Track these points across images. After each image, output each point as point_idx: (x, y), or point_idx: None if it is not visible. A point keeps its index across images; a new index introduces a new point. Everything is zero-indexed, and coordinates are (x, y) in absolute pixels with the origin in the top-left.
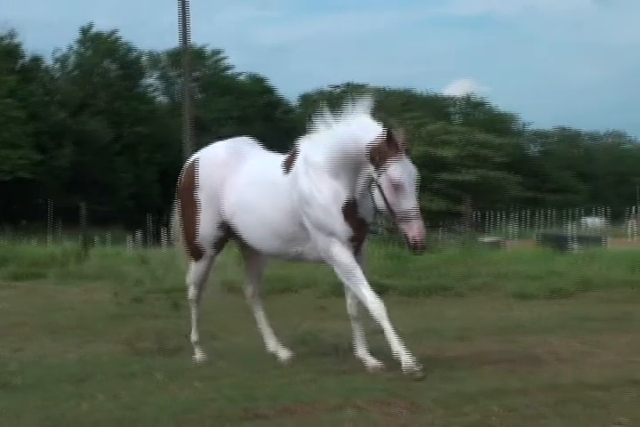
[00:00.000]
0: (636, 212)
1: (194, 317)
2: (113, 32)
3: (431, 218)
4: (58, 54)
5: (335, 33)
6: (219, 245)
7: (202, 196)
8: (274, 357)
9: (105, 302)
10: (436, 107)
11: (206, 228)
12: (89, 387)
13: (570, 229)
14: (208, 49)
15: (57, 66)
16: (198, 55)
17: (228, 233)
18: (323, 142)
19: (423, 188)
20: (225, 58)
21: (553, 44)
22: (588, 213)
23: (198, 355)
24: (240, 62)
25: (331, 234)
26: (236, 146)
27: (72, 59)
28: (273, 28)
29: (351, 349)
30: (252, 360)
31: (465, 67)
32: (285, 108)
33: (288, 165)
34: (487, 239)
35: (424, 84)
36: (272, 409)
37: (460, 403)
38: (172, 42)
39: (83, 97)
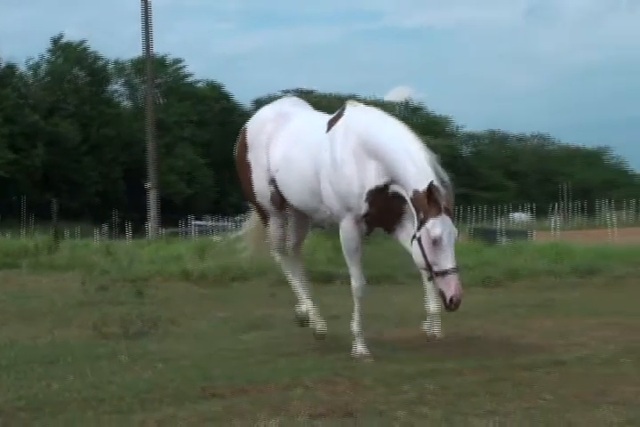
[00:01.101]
0: (559, 208)
1: (295, 284)
2: (82, 42)
3: None
4: (31, 62)
5: (286, 43)
6: (277, 201)
7: (251, 156)
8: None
9: (74, 290)
10: None
11: (259, 185)
12: (59, 368)
13: (499, 223)
14: (169, 58)
15: (30, 73)
16: (160, 64)
17: (280, 192)
18: (369, 118)
19: None
20: (185, 66)
21: (484, 53)
22: (516, 209)
23: (319, 325)
24: (199, 70)
25: (348, 209)
26: (282, 106)
27: (44, 66)
28: (229, 38)
29: (302, 332)
30: (210, 343)
31: (404, 75)
32: (240, 112)
33: (330, 125)
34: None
35: (367, 91)
36: (228, 388)
37: (399, 382)
38: (136, 51)
39: (54, 101)
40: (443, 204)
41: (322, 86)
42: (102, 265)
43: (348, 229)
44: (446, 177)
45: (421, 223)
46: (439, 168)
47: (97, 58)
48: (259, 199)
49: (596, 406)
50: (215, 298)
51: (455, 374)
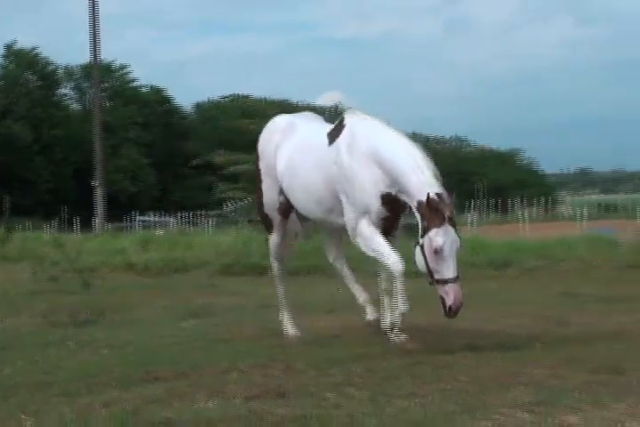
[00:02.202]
0: (475, 205)
1: (280, 293)
2: (33, 48)
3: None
4: None
5: (226, 51)
6: (283, 211)
7: (262, 165)
8: (362, 310)
9: (25, 280)
10: None
11: (268, 194)
12: (10, 354)
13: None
14: (116, 64)
15: None
16: (107, 69)
17: (289, 201)
18: (370, 126)
19: None
20: (130, 72)
21: (408, 61)
22: None
23: (290, 331)
24: (143, 75)
25: (365, 212)
26: (292, 117)
27: None
28: (173, 45)
29: (239, 320)
30: (153, 330)
31: (334, 81)
32: (181, 115)
33: (332, 137)
34: None
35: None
36: (169, 372)
37: (328, 366)
38: (84, 57)
39: (6, 104)
40: (446, 214)
41: (257, 91)
42: (52, 257)
43: (363, 229)
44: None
45: (425, 232)
46: (440, 178)
47: (48, 63)
48: (266, 210)
49: (509, 387)
50: (158, 288)
51: (380, 358)
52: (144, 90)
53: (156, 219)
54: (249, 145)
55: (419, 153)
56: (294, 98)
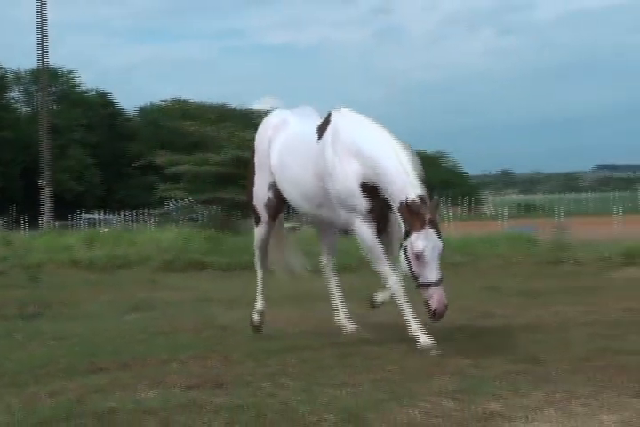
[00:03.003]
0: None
1: (259, 282)
2: None
3: (242, 208)
4: None
5: (167, 57)
6: (271, 208)
7: (256, 159)
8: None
9: None
10: (247, 118)
11: (259, 189)
12: None
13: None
14: (62, 69)
15: None
16: (54, 74)
17: (279, 196)
18: (355, 122)
19: (235, 183)
20: (76, 76)
21: (342, 68)
22: None
23: (256, 318)
24: (89, 80)
25: (351, 210)
26: (286, 113)
27: None
28: (116, 52)
29: (179, 313)
30: (97, 323)
31: (271, 86)
32: (125, 117)
33: (320, 133)
34: (287, 225)
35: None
36: (112, 363)
37: (265, 357)
38: (33, 62)
39: None
40: (427, 217)
41: (197, 96)
42: (0, 254)
43: (362, 232)
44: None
45: (407, 235)
46: (424, 179)
47: None
48: (255, 202)
49: (434, 376)
50: (102, 283)
51: (313, 349)
52: (89, 94)
53: (101, 217)
54: (189, 146)
55: (404, 152)
56: (232, 102)
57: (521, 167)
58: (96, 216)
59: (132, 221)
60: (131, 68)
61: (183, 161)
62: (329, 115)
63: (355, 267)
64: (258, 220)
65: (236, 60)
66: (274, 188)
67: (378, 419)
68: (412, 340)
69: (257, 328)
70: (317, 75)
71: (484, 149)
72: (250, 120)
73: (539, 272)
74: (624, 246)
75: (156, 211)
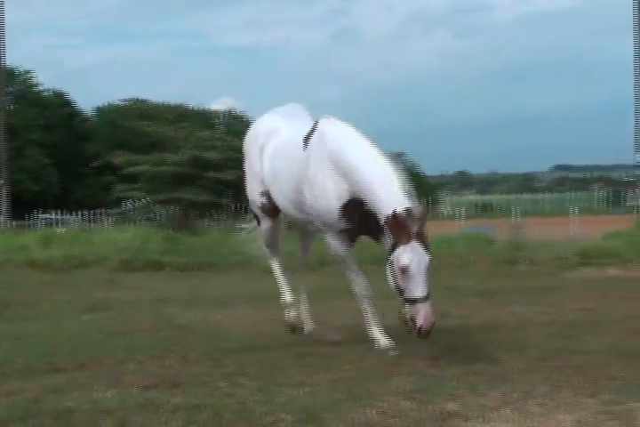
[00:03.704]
0: None
1: (278, 275)
2: None
3: (199, 208)
4: None
5: (125, 57)
6: (267, 210)
7: (246, 165)
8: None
9: None
10: (205, 119)
11: (252, 194)
12: None
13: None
14: (20, 69)
15: None
16: (11, 74)
17: (273, 201)
18: (340, 132)
19: (192, 183)
20: (34, 77)
21: (300, 68)
22: None
23: (292, 314)
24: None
25: (327, 225)
26: (276, 117)
27: None
28: (74, 52)
29: (136, 313)
30: (55, 323)
31: (228, 86)
32: (82, 118)
33: (306, 141)
34: (244, 225)
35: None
36: (70, 363)
37: (222, 357)
38: None
39: None
40: (413, 230)
41: (155, 96)
42: None
43: (332, 245)
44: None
45: (393, 249)
46: (411, 190)
47: None
48: (251, 205)
49: (392, 376)
50: (59, 283)
51: (271, 349)
52: (47, 94)
53: (58, 217)
54: (147, 146)
55: (389, 164)
56: (190, 102)
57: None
58: (53, 216)
59: (90, 221)
60: (89, 69)
61: (141, 161)
62: (316, 123)
63: (314, 267)
64: (258, 220)
65: (195, 61)
66: (267, 194)
67: (335, 419)
68: (371, 340)
69: (294, 326)
70: (276, 75)
71: (442, 150)
72: (207, 120)
73: (495, 272)
74: (580, 247)
75: (114, 211)
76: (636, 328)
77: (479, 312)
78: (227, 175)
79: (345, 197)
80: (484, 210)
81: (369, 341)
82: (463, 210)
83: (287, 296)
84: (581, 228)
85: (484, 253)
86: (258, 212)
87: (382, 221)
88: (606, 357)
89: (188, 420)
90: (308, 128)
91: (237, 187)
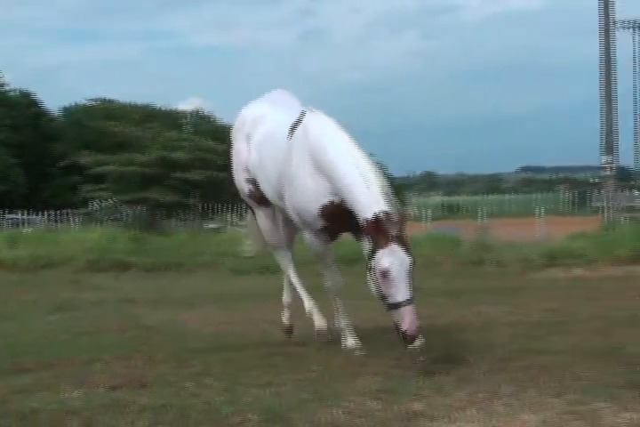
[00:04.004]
0: None
1: (293, 279)
2: None
3: (167, 208)
4: None
5: (92, 57)
6: (257, 199)
7: (233, 151)
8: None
9: None
10: (172, 119)
11: (238, 181)
12: None
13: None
14: None
15: None
16: None
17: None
18: (324, 128)
19: (160, 184)
20: (0, 77)
21: (269, 69)
22: None
23: (318, 321)
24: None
25: (305, 224)
26: (263, 105)
27: None
28: (41, 52)
29: (102, 313)
30: (20, 324)
31: (196, 87)
32: (49, 118)
33: (292, 132)
34: (211, 226)
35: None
36: (36, 364)
37: (188, 357)
38: None
39: None
40: (392, 233)
41: (123, 96)
42: None
43: (309, 241)
44: (393, 200)
45: (372, 253)
46: (390, 192)
47: None
48: (242, 195)
49: (358, 376)
50: (25, 283)
51: (237, 349)
52: (13, 94)
53: (25, 217)
54: (114, 146)
55: (368, 165)
56: (158, 102)
57: (445, 169)
58: (20, 216)
59: (56, 221)
60: (56, 69)
61: (108, 161)
62: (303, 115)
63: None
64: (252, 210)
65: (163, 61)
66: (253, 182)
67: (301, 419)
68: (337, 340)
69: (323, 333)
70: (244, 76)
71: (409, 151)
72: (175, 120)
73: (462, 273)
74: (546, 247)
75: (81, 211)
76: (602, 328)
77: (445, 312)
78: (194, 175)
79: (324, 196)
80: (451, 211)
81: (335, 340)
82: (430, 211)
83: (307, 303)
84: (547, 229)
85: (450, 253)
86: (249, 201)
87: (361, 224)
88: (572, 357)
89: (154, 420)
90: (295, 116)
91: (205, 187)
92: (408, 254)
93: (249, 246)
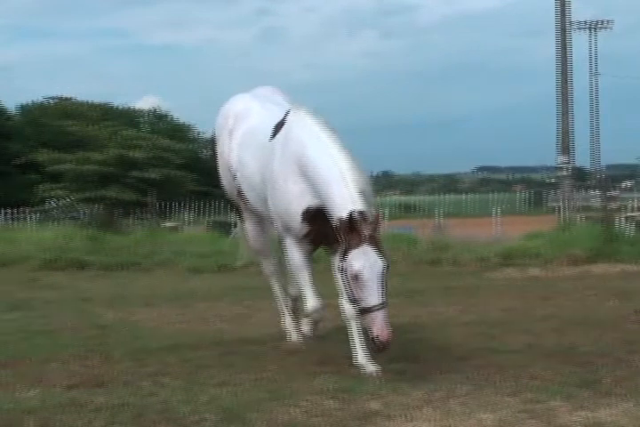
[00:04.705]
0: None
1: (279, 295)
2: None
3: (124, 207)
4: None
5: (47, 55)
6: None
7: (218, 149)
8: None
9: None
10: (129, 117)
11: (225, 180)
12: None
13: (233, 216)
14: None
15: None
16: None
17: None
18: (306, 127)
19: (117, 182)
20: None
21: (225, 67)
22: None
23: (293, 337)
24: None
25: (287, 229)
26: (249, 99)
27: None
28: None
29: (59, 312)
30: None
31: (152, 85)
32: (6, 116)
33: (275, 132)
34: (168, 224)
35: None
36: None
37: (144, 356)
38: None
39: None
40: (365, 233)
41: (79, 94)
42: None
43: (290, 252)
44: (372, 200)
45: (344, 254)
46: (369, 192)
47: None
48: (228, 195)
49: (315, 375)
50: None
51: (194, 348)
52: None
53: None
54: (71, 145)
55: (347, 163)
56: (114, 101)
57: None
58: None
59: (13, 219)
60: (12, 67)
61: (65, 159)
62: (287, 113)
63: (234, 267)
64: (240, 214)
65: (120, 59)
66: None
67: (259, 418)
68: (291, 339)
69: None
70: (201, 74)
71: (366, 151)
72: (132, 119)
73: (418, 272)
74: (502, 247)
75: (37, 209)
76: (556, 327)
77: (402, 312)
78: (152, 174)
79: (306, 200)
80: (408, 210)
81: (290, 340)
82: (387, 210)
83: (285, 313)
84: (504, 228)
85: (406, 253)
86: (235, 200)
87: (335, 224)
88: (527, 356)
89: (111, 419)
90: (281, 114)
91: (162, 186)
92: (381, 257)
93: (240, 255)
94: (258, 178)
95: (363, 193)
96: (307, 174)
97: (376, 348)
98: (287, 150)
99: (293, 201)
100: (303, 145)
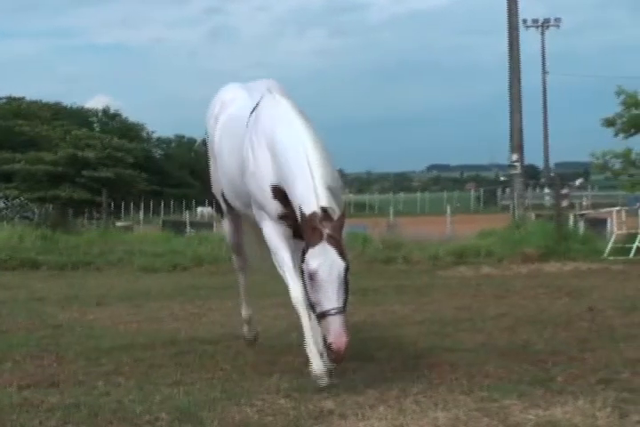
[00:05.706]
0: None
1: (241, 289)
2: None
3: (76, 206)
4: None
5: None
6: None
7: (209, 142)
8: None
9: None
10: (80, 117)
11: (213, 174)
12: None
13: (186, 216)
14: None
15: None
16: None
17: None
18: (277, 110)
19: (69, 182)
20: None
21: (175, 67)
22: (201, 204)
23: (246, 330)
24: None
25: (260, 208)
26: (239, 87)
27: None
28: None
29: (12, 312)
30: None
31: (103, 85)
32: None
33: (249, 118)
34: (121, 224)
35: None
36: None
37: (98, 356)
38: None
39: None
40: (326, 231)
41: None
42: None
43: (267, 234)
44: (340, 197)
45: (303, 253)
46: (337, 189)
47: None
48: (213, 190)
49: (269, 374)
50: None
51: (147, 348)
52: None
53: None
54: (23, 145)
55: (317, 155)
56: (65, 100)
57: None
58: None
59: None
60: None
61: (16, 159)
62: (262, 97)
63: (187, 266)
64: (220, 212)
65: (70, 58)
66: None
67: (212, 418)
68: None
69: (251, 341)
70: (151, 74)
71: None
72: (84, 118)
73: (371, 271)
74: (455, 246)
75: None
76: (509, 326)
77: (355, 311)
78: (103, 173)
79: (275, 178)
80: (360, 209)
81: (242, 338)
82: None
83: (244, 311)
84: (456, 227)
85: (359, 251)
86: (218, 198)
87: (299, 219)
88: (480, 354)
89: (64, 419)
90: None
91: (114, 185)
92: (341, 257)
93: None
94: (231, 164)
95: (330, 189)
96: (274, 155)
97: (330, 357)
98: (258, 131)
99: (265, 176)
100: (273, 128)
